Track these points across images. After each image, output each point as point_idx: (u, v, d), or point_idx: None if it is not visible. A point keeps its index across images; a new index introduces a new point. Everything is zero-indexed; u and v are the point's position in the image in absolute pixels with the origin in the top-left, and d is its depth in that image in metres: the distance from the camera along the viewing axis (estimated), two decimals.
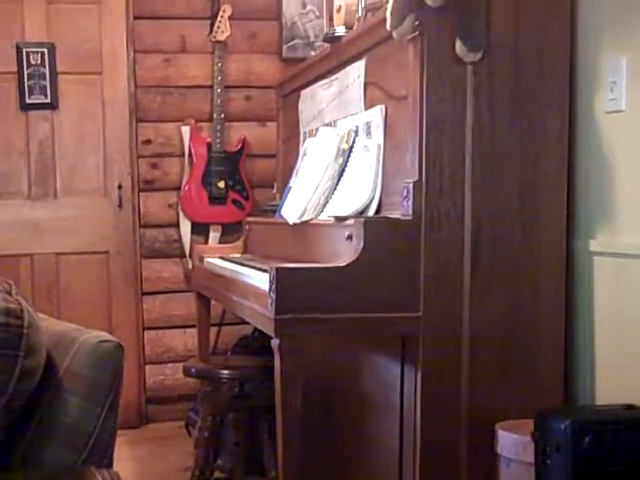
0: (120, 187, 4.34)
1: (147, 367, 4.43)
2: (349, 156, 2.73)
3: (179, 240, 4.40)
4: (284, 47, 4.47)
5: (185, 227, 4.37)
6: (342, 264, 2.25)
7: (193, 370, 3.35)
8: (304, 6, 4.48)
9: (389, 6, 2.31)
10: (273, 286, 2.21)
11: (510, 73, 2.34)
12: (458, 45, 2.27)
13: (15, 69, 4.20)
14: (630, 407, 2.05)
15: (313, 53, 4.15)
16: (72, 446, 1.85)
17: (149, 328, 4.42)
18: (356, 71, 2.85)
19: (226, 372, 3.26)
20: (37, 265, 4.30)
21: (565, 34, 2.38)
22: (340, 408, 2.96)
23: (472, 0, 2.26)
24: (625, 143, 2.26)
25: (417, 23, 2.26)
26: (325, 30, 4.17)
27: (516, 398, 2.36)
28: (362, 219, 2.31)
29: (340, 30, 3.03)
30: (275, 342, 2.24)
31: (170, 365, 4.41)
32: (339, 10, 3.10)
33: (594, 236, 2.37)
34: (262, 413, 3.17)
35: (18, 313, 1.79)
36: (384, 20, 2.34)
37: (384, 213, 2.48)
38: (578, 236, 2.42)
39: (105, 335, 1.94)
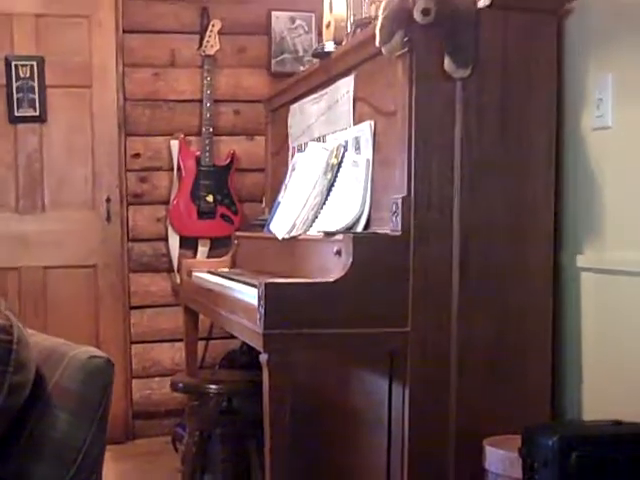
0: (108, 200, 4.33)
1: (134, 381, 4.41)
2: (338, 171, 2.74)
3: (167, 254, 4.39)
4: (273, 62, 4.49)
5: (173, 241, 4.36)
6: (331, 279, 2.26)
7: (180, 385, 3.35)
8: (293, 21, 4.50)
9: (378, 22, 2.32)
10: (262, 301, 2.21)
11: (498, 89, 2.35)
12: (447, 61, 2.29)
13: (4, 82, 4.20)
14: (617, 423, 2.06)
15: (302, 68, 4.17)
16: (61, 462, 1.84)
17: (136, 342, 4.40)
18: (345, 86, 2.86)
19: (214, 387, 3.25)
20: (24, 278, 4.28)
21: (552, 51, 2.40)
22: (328, 423, 2.96)
23: (460, 17, 2.28)
24: (612, 159, 2.28)
25: (406, 39, 2.28)
26: (314, 45, 4.21)
27: (504, 413, 2.36)
28: (351, 234, 2.32)
29: (329, 45, 3.04)
30: (264, 357, 2.24)
31: (157, 379, 4.40)
32: (328, 26, 3.12)
33: (581, 252, 2.38)
34: (250, 428, 3.17)
35: (7, 329, 1.79)
36: (373, 36, 2.35)
37: (373, 228, 2.48)
38: (565, 251, 2.43)
39: (95, 350, 1.93)
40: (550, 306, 2.42)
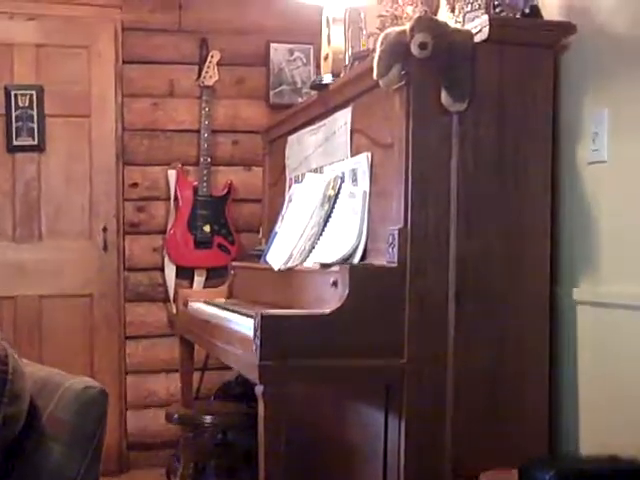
0: (105, 230, 4.33)
1: (128, 412, 4.38)
2: (335, 202, 2.75)
3: (163, 284, 4.38)
4: (271, 93, 4.52)
5: (170, 271, 4.36)
6: (327, 311, 2.25)
7: (175, 416, 3.33)
8: (291, 53, 4.53)
9: (376, 55, 2.34)
10: (258, 332, 2.20)
11: (495, 123, 2.36)
12: (444, 95, 2.30)
13: (3, 111, 4.21)
14: (614, 458, 2.05)
15: (300, 99, 4.20)
16: None
17: (132, 372, 4.38)
18: (343, 118, 2.87)
19: (209, 418, 3.24)
20: (20, 307, 4.26)
21: (548, 86, 2.42)
22: (323, 456, 2.94)
23: (457, 51, 2.29)
24: (607, 193, 2.29)
25: (403, 73, 2.30)
26: (312, 77, 4.24)
27: (500, 447, 2.35)
28: (347, 266, 2.32)
29: (327, 78, 3.06)
30: (259, 389, 2.23)
31: (152, 410, 4.37)
32: (326, 58, 3.14)
33: (577, 284, 2.38)
34: (245, 460, 3.15)
35: (2, 359, 1.78)
36: (371, 69, 2.37)
37: (370, 259, 2.49)
38: (562, 284, 2.43)
39: (90, 381, 1.92)
40: (547, 339, 2.41)
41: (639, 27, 2.16)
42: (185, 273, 4.38)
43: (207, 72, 4.36)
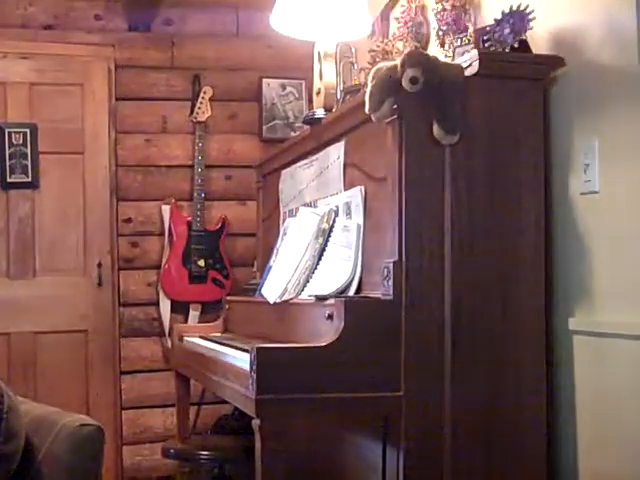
0: (100, 265, 4.33)
1: (124, 448, 4.35)
2: (329, 236, 2.76)
3: (159, 319, 4.38)
4: (264, 127, 4.54)
5: (165, 306, 4.35)
6: (323, 344, 2.26)
7: (172, 451, 3.31)
8: (284, 88, 4.57)
9: (367, 90, 2.37)
10: (254, 366, 2.21)
11: (487, 155, 2.39)
12: (435, 128, 2.32)
13: None
14: None
15: (292, 133, 4.23)
16: None
17: (127, 408, 4.36)
18: (336, 152, 2.90)
19: (205, 453, 3.22)
20: (14, 344, 4.24)
21: (538, 118, 2.44)
22: None
23: (448, 85, 2.32)
24: (600, 223, 2.30)
25: (395, 107, 2.32)
26: (305, 111, 4.28)
27: (499, 478, 2.35)
28: (342, 299, 2.33)
29: (320, 112, 3.09)
30: (256, 422, 2.23)
31: (148, 445, 4.34)
32: (318, 93, 3.17)
33: (573, 314, 2.39)
34: None
35: None
36: (363, 103, 2.39)
37: (365, 292, 2.49)
38: (557, 314, 2.44)
39: (86, 419, 1.92)
40: (543, 369, 2.41)
41: (626, 59, 2.19)
42: (180, 308, 4.37)
43: (200, 108, 4.39)
